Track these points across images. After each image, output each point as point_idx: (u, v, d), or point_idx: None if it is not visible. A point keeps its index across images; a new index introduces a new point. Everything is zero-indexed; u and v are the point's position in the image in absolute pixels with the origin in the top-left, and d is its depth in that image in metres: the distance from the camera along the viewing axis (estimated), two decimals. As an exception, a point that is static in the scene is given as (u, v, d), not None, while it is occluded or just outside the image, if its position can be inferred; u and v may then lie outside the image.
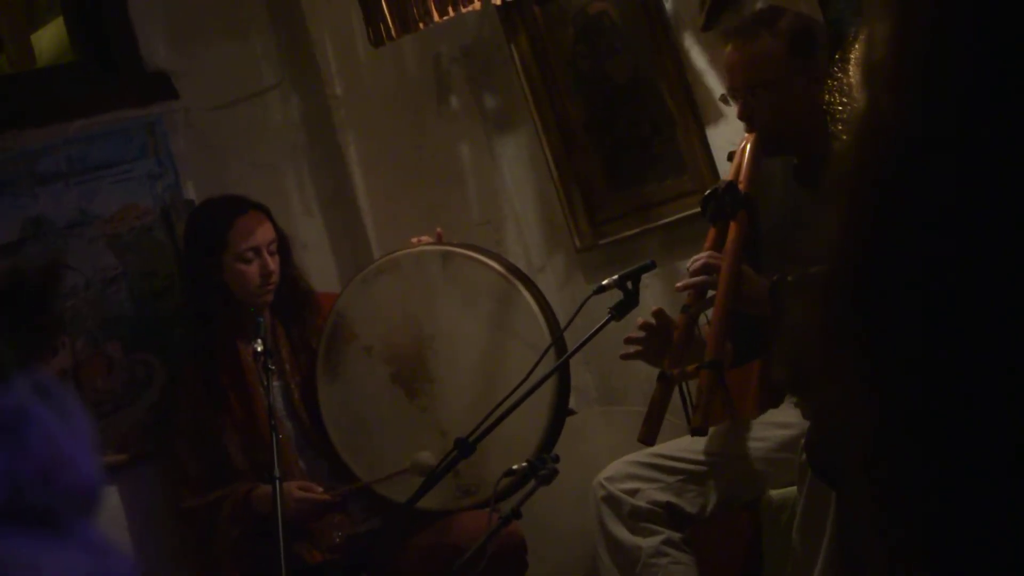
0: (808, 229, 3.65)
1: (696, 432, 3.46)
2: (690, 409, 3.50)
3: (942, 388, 0.73)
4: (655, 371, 3.61)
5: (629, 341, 3.67)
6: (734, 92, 3.74)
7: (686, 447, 3.63)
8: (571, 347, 3.75)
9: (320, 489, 4.12)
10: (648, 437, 3.54)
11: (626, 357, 3.70)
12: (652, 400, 3.54)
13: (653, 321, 3.63)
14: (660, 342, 3.62)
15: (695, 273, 3.58)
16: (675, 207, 4.59)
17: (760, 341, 3.70)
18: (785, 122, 3.68)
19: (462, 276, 4.12)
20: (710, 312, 3.55)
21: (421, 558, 4.13)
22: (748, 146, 3.67)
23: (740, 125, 3.79)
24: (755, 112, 3.68)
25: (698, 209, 3.75)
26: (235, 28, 4.86)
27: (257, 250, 4.22)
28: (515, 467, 3.35)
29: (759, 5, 4.35)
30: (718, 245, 3.61)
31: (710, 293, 3.57)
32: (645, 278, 3.69)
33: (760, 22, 3.76)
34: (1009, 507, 0.72)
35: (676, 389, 3.59)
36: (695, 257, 3.62)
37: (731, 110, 4.05)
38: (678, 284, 3.65)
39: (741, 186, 3.63)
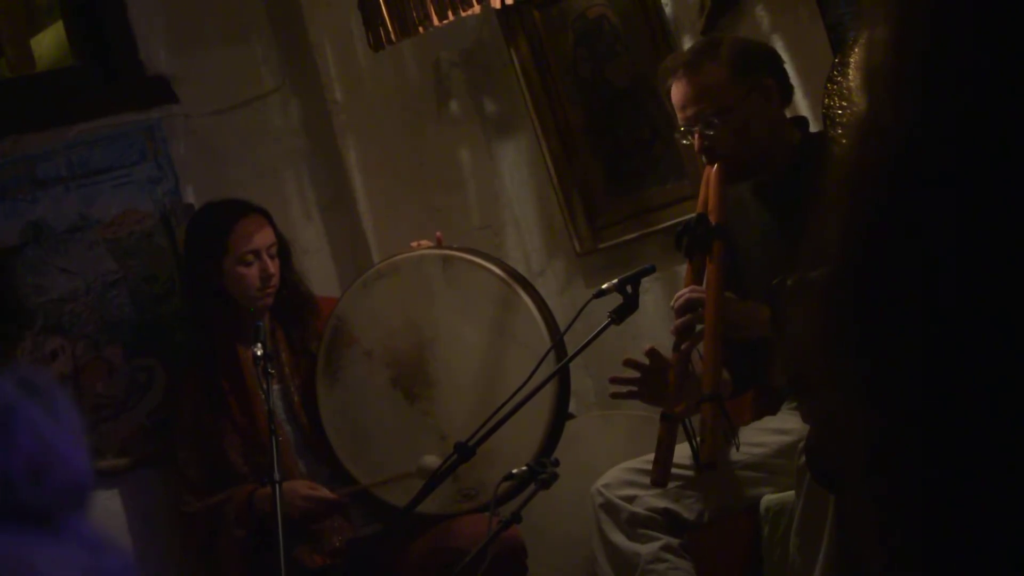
0: (778, 250, 3.70)
1: (706, 467, 3.46)
2: (695, 443, 3.50)
3: (943, 391, 0.73)
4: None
5: (616, 381, 3.67)
6: (689, 127, 3.73)
7: (684, 454, 3.63)
8: (571, 351, 3.75)
9: (327, 490, 4.13)
10: (660, 480, 3.55)
11: (617, 397, 3.70)
12: (659, 441, 3.54)
13: (636, 360, 3.63)
14: (657, 383, 3.62)
15: (679, 311, 3.59)
16: (675, 211, 4.59)
17: (757, 368, 3.71)
18: (746, 146, 3.69)
19: (462, 280, 4.12)
20: (702, 346, 3.57)
21: (421, 562, 4.13)
22: (712, 176, 3.68)
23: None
24: (714, 142, 3.68)
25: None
26: (235, 32, 4.86)
27: (257, 253, 4.22)
28: (515, 471, 3.35)
29: (758, 9, 4.35)
30: (697, 279, 3.63)
31: (698, 327, 3.57)
32: (645, 282, 3.69)
33: (701, 53, 3.76)
34: (1010, 511, 0.72)
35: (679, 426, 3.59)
36: (677, 295, 3.63)
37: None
38: (671, 328, 3.65)
39: (711, 217, 3.63)
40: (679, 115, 3.75)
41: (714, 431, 3.42)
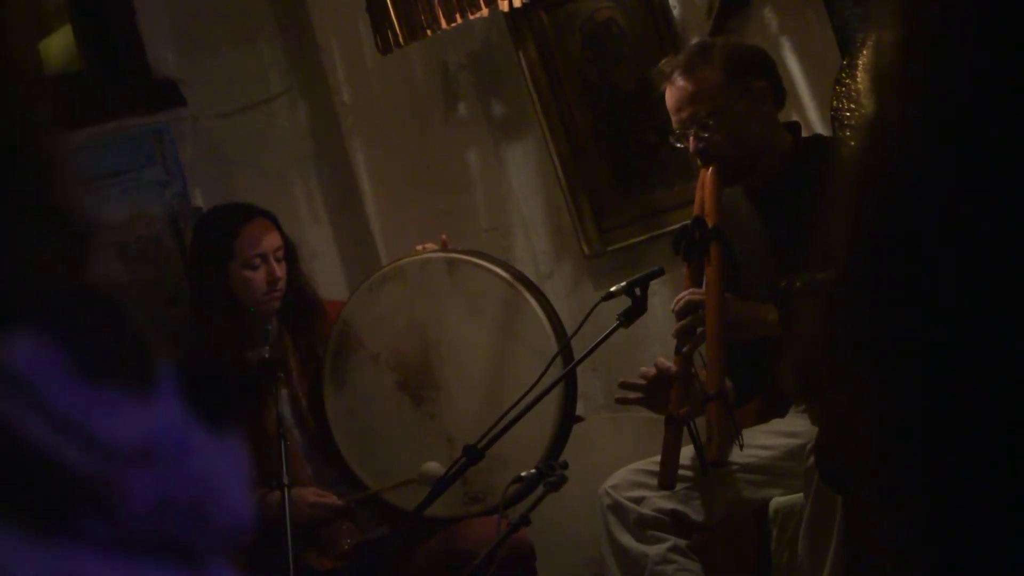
0: (772, 253, 3.72)
1: (714, 465, 3.48)
2: (700, 444, 3.53)
3: (949, 392, 0.73)
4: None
5: (625, 386, 3.70)
6: (683, 130, 3.75)
7: (691, 455, 3.63)
8: (579, 354, 3.75)
9: (335, 496, 4.13)
10: (668, 482, 3.57)
11: (622, 402, 3.74)
12: (664, 444, 3.57)
13: (653, 371, 3.66)
14: (661, 390, 3.64)
15: (680, 314, 3.62)
16: (683, 213, 4.57)
17: (760, 376, 3.73)
18: (740, 148, 3.71)
19: (468, 283, 4.12)
20: (702, 349, 3.58)
21: (430, 565, 4.13)
22: (708, 179, 3.70)
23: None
24: (709, 145, 3.70)
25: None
26: (243, 35, 4.86)
27: (264, 257, 4.22)
28: (524, 474, 3.35)
29: (766, 11, 4.35)
30: (696, 282, 3.65)
31: (699, 330, 3.59)
32: (653, 284, 3.69)
33: (694, 56, 3.78)
34: (1012, 511, 0.71)
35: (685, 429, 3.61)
36: (677, 298, 3.65)
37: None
38: (672, 331, 3.67)
39: (708, 220, 3.65)
40: (673, 118, 3.78)
41: (720, 429, 3.44)
